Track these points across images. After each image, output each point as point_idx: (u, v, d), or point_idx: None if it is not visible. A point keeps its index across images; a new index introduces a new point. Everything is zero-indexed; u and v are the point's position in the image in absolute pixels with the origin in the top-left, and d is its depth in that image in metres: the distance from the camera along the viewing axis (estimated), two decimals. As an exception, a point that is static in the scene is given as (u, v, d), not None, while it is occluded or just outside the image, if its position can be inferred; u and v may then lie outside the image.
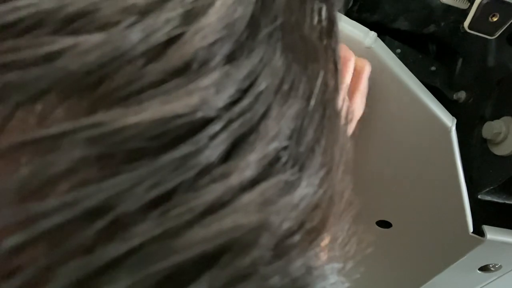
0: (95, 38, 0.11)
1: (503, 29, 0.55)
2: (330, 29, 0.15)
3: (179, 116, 0.11)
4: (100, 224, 0.11)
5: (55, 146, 0.11)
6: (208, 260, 0.12)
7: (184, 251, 0.11)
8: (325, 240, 0.15)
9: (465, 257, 0.66)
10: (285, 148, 0.13)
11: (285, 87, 0.13)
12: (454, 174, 0.60)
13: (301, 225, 0.14)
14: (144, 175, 0.11)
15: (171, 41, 0.12)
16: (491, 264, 0.70)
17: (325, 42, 0.15)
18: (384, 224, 0.70)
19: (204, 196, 0.12)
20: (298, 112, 0.14)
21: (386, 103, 0.56)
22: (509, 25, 0.55)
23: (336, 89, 0.15)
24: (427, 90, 0.57)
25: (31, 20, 0.11)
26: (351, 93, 0.47)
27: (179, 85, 0.12)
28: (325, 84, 0.15)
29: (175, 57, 0.12)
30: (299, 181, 0.14)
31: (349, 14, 0.61)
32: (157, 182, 0.11)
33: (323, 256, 0.15)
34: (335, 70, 0.16)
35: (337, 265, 0.16)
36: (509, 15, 0.54)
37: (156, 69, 0.11)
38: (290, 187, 0.13)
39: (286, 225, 0.13)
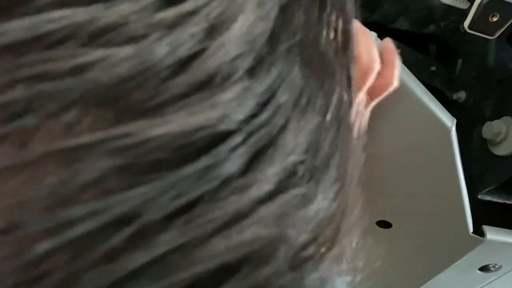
0: (125, 51, 0.11)
1: (503, 29, 0.55)
2: (345, 45, 0.16)
3: (202, 128, 0.12)
4: (125, 232, 0.11)
5: (82, 156, 0.11)
6: (227, 271, 0.12)
7: (206, 261, 0.12)
8: (336, 253, 0.15)
9: (465, 257, 0.66)
10: (302, 161, 0.14)
11: (303, 101, 0.14)
12: (454, 174, 0.60)
13: (315, 238, 0.14)
14: (167, 185, 0.11)
15: (195, 55, 0.12)
16: (491, 264, 0.70)
17: (340, 57, 0.15)
18: (384, 224, 0.70)
19: (225, 207, 0.12)
20: (314, 126, 0.14)
21: (385, 103, 0.56)
22: (509, 25, 0.55)
23: (349, 104, 0.16)
24: (427, 90, 0.57)
25: (63, 32, 0.11)
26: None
27: (203, 98, 0.12)
28: (340, 99, 0.15)
29: (199, 70, 0.12)
30: (315, 194, 0.14)
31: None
32: (180, 193, 0.12)
33: (334, 269, 0.15)
34: (349, 86, 0.16)
35: (347, 278, 0.16)
36: (509, 15, 0.54)
37: (181, 82, 0.12)
38: (306, 200, 0.14)
39: (302, 238, 0.13)
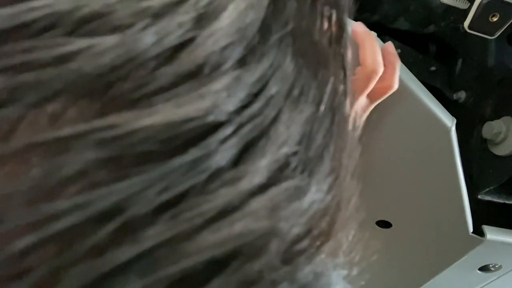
0: (110, 40, 0.11)
1: (503, 29, 0.55)
2: (339, 35, 0.15)
3: (190, 119, 0.11)
4: (110, 226, 0.11)
5: (66, 148, 0.11)
6: (218, 265, 0.12)
7: (194, 255, 0.11)
8: (331, 247, 0.15)
9: (465, 257, 0.66)
10: (294, 153, 0.13)
11: (296, 92, 0.13)
12: (454, 174, 0.60)
13: (309, 231, 0.13)
14: (155, 178, 0.11)
15: (183, 45, 0.12)
16: (491, 264, 0.70)
17: (334, 47, 0.15)
18: (384, 224, 0.70)
19: (215, 200, 0.12)
20: (308, 117, 0.14)
21: (386, 103, 0.56)
22: (509, 25, 0.55)
23: (344, 95, 0.15)
24: (427, 90, 0.57)
25: (46, 21, 0.11)
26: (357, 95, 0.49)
27: (191, 89, 0.12)
28: (334, 90, 0.15)
29: (187, 60, 0.12)
30: (308, 186, 0.14)
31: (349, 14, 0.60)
32: (168, 186, 0.11)
33: (329, 262, 0.15)
34: (344, 76, 0.16)
35: (343, 272, 0.16)
36: (509, 15, 0.54)
37: (169, 72, 0.11)
38: (299, 192, 0.13)
39: (295, 231, 0.13)
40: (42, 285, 0.10)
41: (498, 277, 0.73)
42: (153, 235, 0.11)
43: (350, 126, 0.16)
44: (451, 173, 0.60)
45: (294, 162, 0.13)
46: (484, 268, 0.71)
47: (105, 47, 0.11)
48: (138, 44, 0.11)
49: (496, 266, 0.71)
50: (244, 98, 0.12)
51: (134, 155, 0.11)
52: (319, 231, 0.14)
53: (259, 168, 0.12)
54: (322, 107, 0.14)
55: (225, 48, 0.12)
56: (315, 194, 0.14)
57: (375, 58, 0.49)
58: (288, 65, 0.13)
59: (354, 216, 0.16)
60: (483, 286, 0.75)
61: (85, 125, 0.11)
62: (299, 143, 0.13)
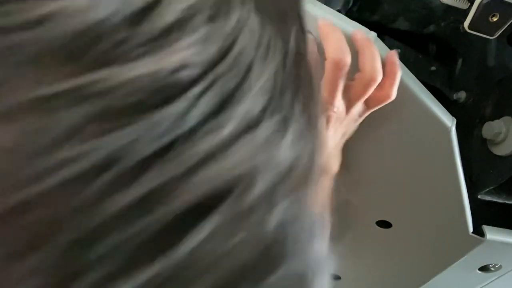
0: (80, 1, 0.11)
1: (503, 29, 0.55)
2: None
3: (169, 73, 0.12)
4: (105, 177, 0.11)
5: (56, 105, 0.11)
6: (210, 203, 0.13)
7: (185, 196, 0.12)
8: (307, 192, 0.15)
9: (465, 257, 0.66)
10: (269, 102, 0.14)
11: (263, 45, 0.14)
12: (454, 174, 0.60)
13: (285, 175, 0.14)
14: (144, 128, 0.12)
15: (153, 4, 0.12)
16: (491, 264, 0.70)
17: (292, 5, 0.17)
18: (384, 224, 0.70)
19: (201, 146, 0.13)
20: (276, 69, 0.15)
21: (386, 103, 0.56)
22: (509, 25, 0.55)
23: (305, 49, 0.16)
24: (427, 90, 0.57)
25: None
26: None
27: (165, 45, 0.12)
28: (297, 43, 0.16)
29: (158, 19, 0.12)
30: (284, 133, 0.15)
31: (349, 14, 0.61)
32: (157, 136, 0.12)
33: (305, 207, 0.15)
34: (302, 32, 0.17)
35: (320, 223, 0.16)
36: (509, 15, 0.54)
37: (142, 31, 0.12)
38: (276, 138, 0.14)
39: (274, 173, 0.14)
40: (41, 236, 0.11)
41: (498, 277, 0.73)
42: (147, 182, 0.12)
43: (316, 81, 0.17)
44: (451, 173, 0.60)
45: (269, 110, 0.14)
46: (484, 268, 0.71)
47: (76, 8, 0.11)
48: (108, 5, 0.12)
49: (496, 266, 0.71)
50: (217, 51, 0.13)
51: (122, 108, 0.12)
52: (295, 176, 0.15)
53: (238, 115, 0.13)
54: (288, 60, 0.15)
55: (192, 6, 0.13)
56: (290, 142, 0.14)
57: (374, 66, 0.49)
58: (253, 20, 0.14)
59: (325, 168, 0.16)
60: (483, 286, 0.76)
61: (71, 82, 0.11)
62: (271, 93, 0.14)
